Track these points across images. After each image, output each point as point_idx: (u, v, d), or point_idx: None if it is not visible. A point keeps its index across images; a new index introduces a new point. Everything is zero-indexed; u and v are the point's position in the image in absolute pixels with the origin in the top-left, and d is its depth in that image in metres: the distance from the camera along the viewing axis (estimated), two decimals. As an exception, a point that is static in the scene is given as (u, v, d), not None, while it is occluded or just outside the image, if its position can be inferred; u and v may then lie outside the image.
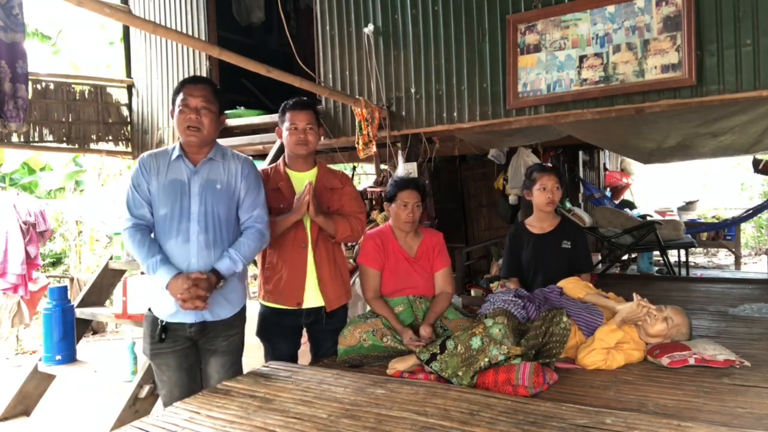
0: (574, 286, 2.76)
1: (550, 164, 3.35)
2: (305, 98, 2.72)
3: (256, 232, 2.38)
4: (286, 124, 2.64)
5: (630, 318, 2.41)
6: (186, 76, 5.21)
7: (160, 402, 2.55)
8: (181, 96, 2.28)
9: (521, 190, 4.11)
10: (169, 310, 2.28)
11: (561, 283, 2.81)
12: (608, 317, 2.55)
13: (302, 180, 2.70)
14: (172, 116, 2.32)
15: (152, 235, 2.30)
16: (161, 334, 2.28)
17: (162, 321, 2.29)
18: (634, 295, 2.43)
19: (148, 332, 2.34)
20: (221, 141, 4.81)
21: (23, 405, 4.18)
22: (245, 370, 2.41)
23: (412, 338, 2.56)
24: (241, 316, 2.47)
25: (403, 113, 4.10)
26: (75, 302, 4.26)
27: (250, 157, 2.54)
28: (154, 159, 2.31)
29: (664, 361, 2.30)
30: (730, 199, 12.60)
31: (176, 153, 2.31)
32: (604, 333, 2.39)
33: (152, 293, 2.34)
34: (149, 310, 2.36)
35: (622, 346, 2.39)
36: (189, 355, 2.37)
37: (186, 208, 2.27)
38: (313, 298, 2.65)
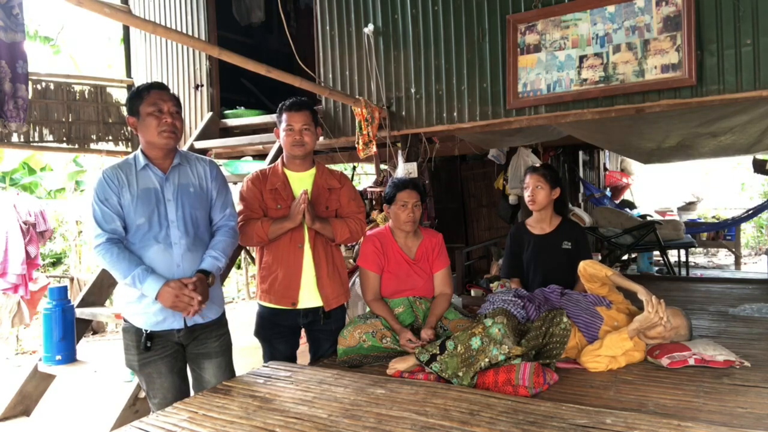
0: (595, 266, 2.68)
1: (538, 164, 3.28)
2: (303, 98, 2.71)
3: (230, 230, 2.40)
4: (283, 125, 2.64)
5: (644, 327, 2.34)
6: (186, 76, 5.23)
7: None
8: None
9: (521, 190, 4.11)
10: (155, 319, 2.24)
11: (583, 263, 2.71)
12: (618, 302, 2.53)
13: (300, 180, 2.70)
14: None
15: (127, 249, 2.21)
16: (146, 342, 2.24)
17: (146, 330, 2.25)
18: (646, 298, 2.34)
19: (133, 344, 2.28)
20: (222, 141, 4.84)
21: (23, 405, 4.17)
22: (245, 371, 2.41)
23: (410, 340, 2.56)
24: (224, 315, 2.50)
25: (403, 113, 4.10)
26: (75, 302, 4.25)
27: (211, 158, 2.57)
28: (119, 171, 2.26)
29: (664, 361, 2.29)
30: (730, 199, 12.60)
31: (142, 162, 2.27)
32: (615, 341, 2.35)
33: (128, 305, 2.29)
34: (126, 321, 2.31)
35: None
36: (178, 358, 2.35)
37: (163, 215, 2.26)
38: (309, 298, 2.65)
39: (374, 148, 4.02)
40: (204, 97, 5.14)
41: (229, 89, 5.49)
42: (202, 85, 5.14)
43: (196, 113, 5.18)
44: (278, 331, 2.68)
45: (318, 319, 2.67)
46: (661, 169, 11.42)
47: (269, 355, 2.68)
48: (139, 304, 2.24)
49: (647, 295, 2.36)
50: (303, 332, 2.79)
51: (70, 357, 4.03)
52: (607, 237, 6.80)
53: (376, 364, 2.57)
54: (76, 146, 5.40)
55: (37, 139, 5.12)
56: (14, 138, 4.93)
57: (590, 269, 2.69)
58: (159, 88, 2.29)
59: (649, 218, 8.13)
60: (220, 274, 2.36)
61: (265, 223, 2.58)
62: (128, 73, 5.68)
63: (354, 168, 8.14)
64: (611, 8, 3.38)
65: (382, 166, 4.38)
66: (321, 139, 3.75)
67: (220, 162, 4.45)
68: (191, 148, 4.64)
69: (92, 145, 5.47)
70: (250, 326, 2.77)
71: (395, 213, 2.83)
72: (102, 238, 2.18)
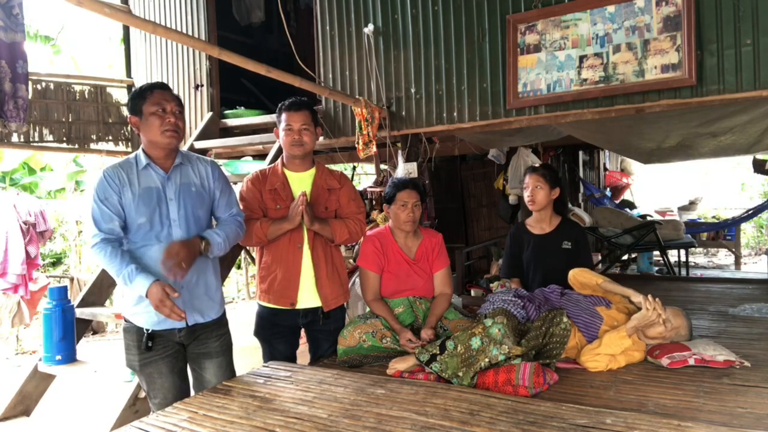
0: (585, 275, 2.70)
1: (538, 164, 3.28)
2: (303, 98, 2.71)
3: (235, 221, 2.42)
4: (282, 125, 2.64)
5: (642, 324, 2.35)
6: (186, 76, 5.23)
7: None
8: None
9: (521, 190, 4.11)
10: (156, 318, 2.24)
11: (572, 272, 2.74)
12: (617, 301, 2.53)
13: (300, 180, 2.70)
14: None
15: (122, 248, 2.21)
16: (147, 342, 2.24)
17: (147, 330, 2.25)
18: (642, 299, 2.36)
19: (134, 344, 2.29)
20: (222, 141, 4.84)
21: (23, 405, 4.17)
22: (245, 371, 2.41)
23: (410, 340, 2.56)
24: (225, 315, 2.50)
25: (403, 113, 4.10)
26: (75, 302, 4.25)
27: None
28: (120, 170, 2.26)
29: (664, 361, 2.29)
30: (730, 199, 12.60)
31: (143, 161, 2.28)
32: (613, 339, 2.35)
33: (128, 305, 2.29)
34: (126, 321, 2.32)
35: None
36: (179, 358, 2.35)
37: (165, 214, 2.26)
38: (308, 298, 2.65)
39: (374, 148, 4.02)
40: (204, 97, 5.14)
41: (229, 89, 5.49)
42: (202, 85, 5.14)
43: (196, 113, 5.18)
44: (278, 331, 2.68)
45: (317, 319, 2.67)
46: (661, 169, 11.42)
47: (269, 355, 2.68)
48: (140, 304, 2.24)
49: (641, 296, 2.37)
50: (303, 332, 2.79)
51: (70, 357, 4.03)
52: (607, 237, 6.80)
53: (376, 364, 2.57)
54: (76, 146, 5.40)
55: (37, 139, 5.12)
56: (14, 138, 4.93)
57: (581, 278, 2.70)
58: (162, 88, 2.30)
59: (649, 218, 8.13)
60: (219, 250, 2.32)
61: (264, 223, 2.58)
62: (128, 73, 5.68)
63: (354, 168, 8.14)
64: (611, 8, 3.38)
65: (382, 166, 4.38)
66: (321, 139, 3.75)
67: (220, 162, 4.45)
68: (191, 148, 4.64)
69: (92, 145, 5.47)
70: (250, 326, 2.77)
71: (395, 213, 2.83)
72: (97, 237, 2.18)
